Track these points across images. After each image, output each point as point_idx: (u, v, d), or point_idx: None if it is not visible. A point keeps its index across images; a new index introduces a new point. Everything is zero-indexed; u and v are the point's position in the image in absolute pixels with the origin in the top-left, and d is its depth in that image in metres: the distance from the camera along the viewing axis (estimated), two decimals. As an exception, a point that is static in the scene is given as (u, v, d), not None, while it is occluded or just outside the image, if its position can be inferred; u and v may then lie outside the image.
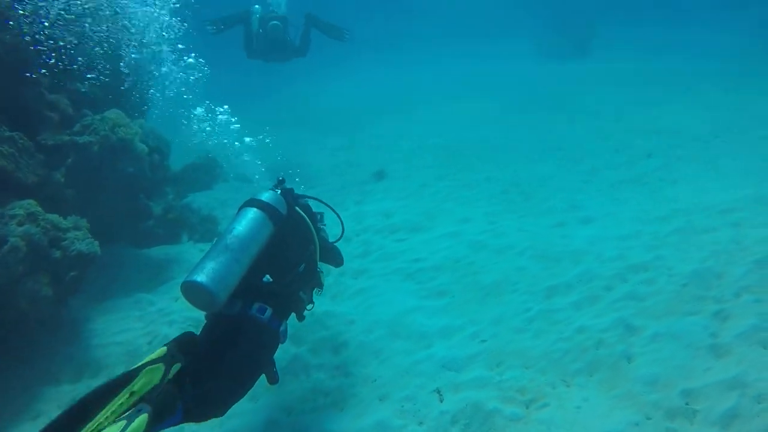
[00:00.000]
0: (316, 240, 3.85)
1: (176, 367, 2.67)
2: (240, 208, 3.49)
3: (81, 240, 4.77)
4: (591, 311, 4.58)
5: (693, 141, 8.89)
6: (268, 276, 3.62)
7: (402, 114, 13.88)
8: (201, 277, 2.90)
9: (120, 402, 2.35)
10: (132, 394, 2.40)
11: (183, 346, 2.80)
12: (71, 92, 6.12)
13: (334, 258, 4.41)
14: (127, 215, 6.55)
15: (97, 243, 4.96)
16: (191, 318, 5.16)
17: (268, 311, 3.21)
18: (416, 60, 22.52)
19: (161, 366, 2.57)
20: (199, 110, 7.88)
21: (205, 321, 3.27)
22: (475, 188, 8.02)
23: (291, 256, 3.63)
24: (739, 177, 6.95)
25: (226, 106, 8.20)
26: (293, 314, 3.64)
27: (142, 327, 5.16)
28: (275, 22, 9.17)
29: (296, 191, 4.10)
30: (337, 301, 5.43)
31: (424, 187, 8.34)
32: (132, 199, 6.22)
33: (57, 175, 5.37)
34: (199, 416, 2.74)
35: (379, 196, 8.24)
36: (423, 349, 4.46)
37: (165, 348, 2.69)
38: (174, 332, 4.96)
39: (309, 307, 3.78)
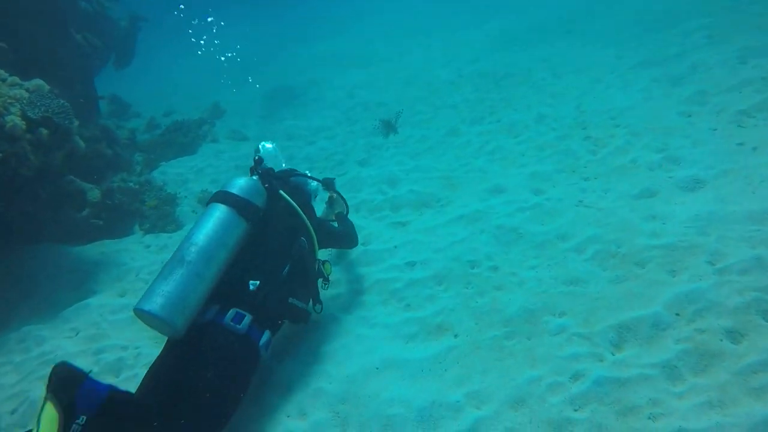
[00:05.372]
0: (310, 227, 3.23)
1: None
2: (207, 204, 3.01)
3: None
4: (699, 389, 2.39)
5: None
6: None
7: (434, 39, 11.30)
8: (149, 305, 2.48)
9: None
10: None
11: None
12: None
13: (343, 240, 3.66)
14: (47, 206, 5.09)
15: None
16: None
17: (246, 319, 2.70)
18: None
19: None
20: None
21: None
22: (522, 134, 5.56)
23: (274, 255, 3.01)
24: None
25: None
26: (287, 322, 3.05)
27: (13, 383, 3.60)
28: None
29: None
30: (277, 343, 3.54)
31: (452, 134, 6.01)
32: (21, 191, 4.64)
33: None
34: None
35: (390, 152, 6.06)
36: (382, 456, 2.56)
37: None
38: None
39: (317, 309, 3.23)
